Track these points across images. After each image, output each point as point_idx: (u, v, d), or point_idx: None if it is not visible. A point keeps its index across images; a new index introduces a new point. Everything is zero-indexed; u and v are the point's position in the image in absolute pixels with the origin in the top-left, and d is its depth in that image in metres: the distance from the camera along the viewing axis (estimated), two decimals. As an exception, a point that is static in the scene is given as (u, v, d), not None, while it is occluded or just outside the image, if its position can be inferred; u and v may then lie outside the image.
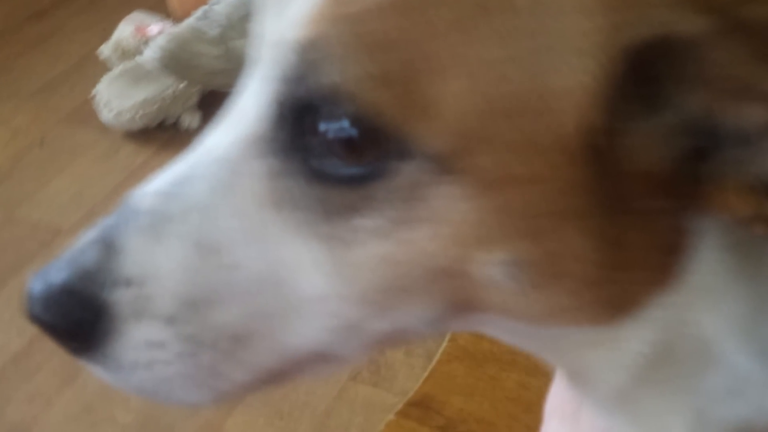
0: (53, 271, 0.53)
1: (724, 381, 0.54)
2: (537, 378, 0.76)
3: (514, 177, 0.47)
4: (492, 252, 0.49)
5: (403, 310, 0.52)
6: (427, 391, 1.11)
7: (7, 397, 1.87)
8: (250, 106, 0.52)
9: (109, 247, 0.53)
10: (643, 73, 0.46)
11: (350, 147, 0.48)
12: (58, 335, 0.54)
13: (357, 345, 0.54)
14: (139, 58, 2.55)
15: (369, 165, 0.48)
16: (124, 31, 2.71)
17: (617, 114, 0.46)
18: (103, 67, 2.69)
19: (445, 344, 1.15)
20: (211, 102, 2.53)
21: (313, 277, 0.51)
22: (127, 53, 2.67)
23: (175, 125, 2.57)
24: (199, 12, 2.50)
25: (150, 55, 2.43)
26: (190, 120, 2.56)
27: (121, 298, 0.52)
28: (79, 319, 0.52)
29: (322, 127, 0.48)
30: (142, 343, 0.53)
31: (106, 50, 2.72)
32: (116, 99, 2.54)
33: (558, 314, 0.52)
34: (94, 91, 2.59)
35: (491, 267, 0.49)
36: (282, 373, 0.55)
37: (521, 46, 0.46)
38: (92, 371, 0.55)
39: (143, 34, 2.65)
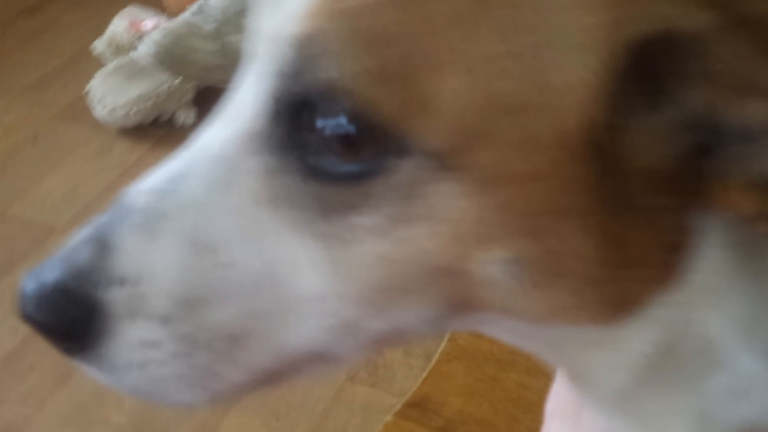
0: (46, 269, 0.53)
1: (728, 382, 0.54)
2: (537, 378, 0.76)
3: (515, 174, 0.47)
4: (492, 250, 0.49)
5: (401, 310, 0.52)
6: (425, 391, 1.11)
7: (-1, 398, 1.87)
8: (246, 103, 0.52)
9: (103, 245, 0.53)
10: (646, 69, 0.46)
11: (347, 144, 0.48)
12: (51, 335, 0.54)
13: (355, 345, 0.54)
14: (133, 54, 2.54)
15: (367, 162, 0.48)
16: (118, 26, 2.71)
17: (619, 110, 0.46)
18: (97, 63, 2.68)
19: (444, 344, 1.15)
20: (207, 98, 2.53)
21: (310, 276, 0.51)
22: (121, 49, 2.67)
23: (170, 122, 2.57)
24: (194, 7, 2.50)
25: (144, 50, 2.42)
26: (185, 116, 2.56)
27: (115, 297, 0.52)
28: (72, 318, 0.52)
29: (319, 123, 0.48)
30: (136, 342, 0.52)
31: (99, 46, 2.72)
32: (110, 95, 2.54)
33: (559, 313, 0.52)
34: (87, 87, 2.59)
35: (491, 265, 0.49)
36: (278, 374, 0.55)
37: (521, 41, 0.45)
38: (86, 371, 0.55)
39: (137, 30, 2.65)
